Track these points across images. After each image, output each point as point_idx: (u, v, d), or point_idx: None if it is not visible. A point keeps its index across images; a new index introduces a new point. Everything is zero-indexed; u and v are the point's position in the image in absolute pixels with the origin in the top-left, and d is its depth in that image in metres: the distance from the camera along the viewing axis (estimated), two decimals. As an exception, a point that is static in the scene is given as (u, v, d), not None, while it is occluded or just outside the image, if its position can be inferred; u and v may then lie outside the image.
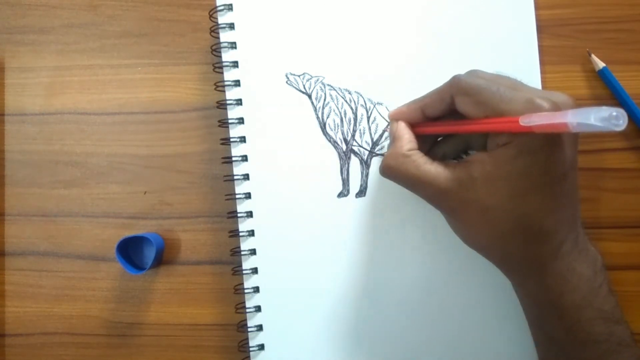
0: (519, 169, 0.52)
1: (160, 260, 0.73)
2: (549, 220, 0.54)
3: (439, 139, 0.65)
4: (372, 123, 0.69)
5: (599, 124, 0.41)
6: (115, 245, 0.70)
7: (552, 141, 0.51)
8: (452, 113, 0.58)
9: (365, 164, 0.69)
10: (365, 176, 0.69)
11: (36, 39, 0.76)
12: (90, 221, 0.74)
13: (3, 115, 0.75)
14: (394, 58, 0.69)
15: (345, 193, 0.69)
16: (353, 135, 0.69)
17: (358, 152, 0.69)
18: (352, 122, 0.69)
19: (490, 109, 0.52)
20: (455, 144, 0.64)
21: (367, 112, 0.69)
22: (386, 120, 0.69)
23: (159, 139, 0.74)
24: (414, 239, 0.69)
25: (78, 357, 0.74)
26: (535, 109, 0.49)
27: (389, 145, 0.64)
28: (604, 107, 0.41)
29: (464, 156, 0.63)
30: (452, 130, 0.60)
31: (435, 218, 0.67)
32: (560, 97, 0.51)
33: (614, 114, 0.41)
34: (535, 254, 0.55)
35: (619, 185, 0.70)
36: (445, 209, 0.59)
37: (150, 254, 0.73)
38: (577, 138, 0.55)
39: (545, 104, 0.49)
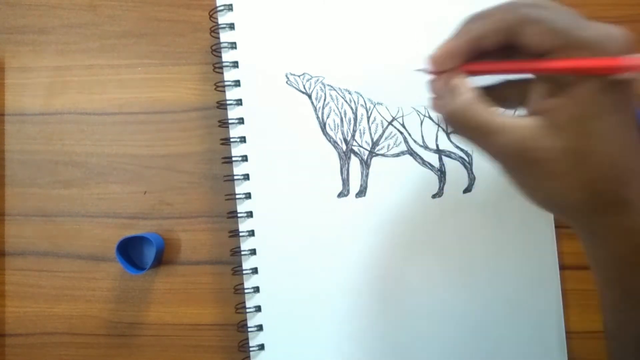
0: (608, 104, 0.47)
1: (160, 260, 0.73)
2: (637, 159, 0.50)
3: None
4: (372, 123, 0.69)
5: None
6: (115, 245, 0.69)
7: None
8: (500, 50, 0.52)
9: (365, 164, 0.69)
10: (365, 176, 0.69)
11: (36, 39, 0.76)
12: (90, 221, 0.74)
13: (3, 115, 0.75)
14: (394, 58, 0.69)
15: (345, 193, 0.69)
16: (353, 135, 0.69)
17: (358, 152, 0.69)
18: (352, 122, 0.69)
19: (571, 37, 0.47)
20: (513, 91, 0.56)
21: (367, 112, 0.69)
22: (386, 120, 0.69)
23: (159, 139, 0.74)
24: (414, 239, 0.69)
25: (78, 357, 0.74)
26: (612, 39, 0.46)
27: (446, 96, 0.53)
28: None
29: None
30: (534, 69, 0.51)
31: (435, 218, 0.68)
32: (616, 30, 0.48)
33: None
34: (628, 196, 0.50)
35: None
36: (522, 164, 0.51)
37: (150, 254, 0.73)
38: None
39: (619, 33, 0.46)
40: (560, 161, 0.49)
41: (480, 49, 0.52)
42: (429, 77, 0.55)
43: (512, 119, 0.50)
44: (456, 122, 0.52)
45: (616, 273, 0.55)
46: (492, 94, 0.55)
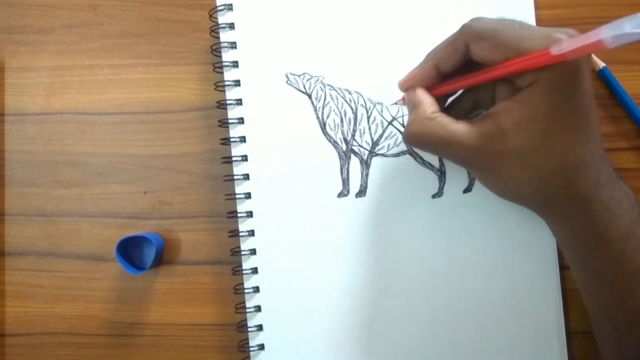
0: (549, 107, 0.51)
1: (160, 260, 0.73)
2: (585, 153, 0.53)
3: (451, 99, 0.64)
4: (372, 123, 0.69)
5: (636, 30, 0.41)
6: (115, 245, 0.69)
7: (575, 74, 0.51)
8: (465, 66, 0.57)
9: (365, 164, 0.69)
10: (365, 176, 0.69)
11: (36, 39, 0.76)
12: (90, 221, 0.74)
13: (3, 115, 0.75)
14: (394, 58, 0.69)
15: (345, 193, 0.69)
16: (353, 135, 0.69)
17: (358, 152, 0.69)
18: (352, 122, 0.69)
19: (511, 49, 0.52)
20: (470, 98, 0.63)
21: (367, 112, 0.69)
22: (386, 120, 0.69)
23: (159, 139, 0.74)
24: (414, 239, 0.69)
25: (78, 357, 0.74)
26: (554, 42, 0.48)
27: (410, 113, 0.61)
28: (638, 14, 0.42)
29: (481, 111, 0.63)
30: (477, 81, 0.56)
31: (435, 218, 0.68)
32: (569, 31, 0.51)
33: None
34: (578, 188, 0.54)
35: (619, 186, 0.70)
36: (480, 167, 0.58)
37: (150, 254, 0.73)
38: (590, 71, 0.54)
39: (563, 36, 0.49)
40: (509, 163, 0.55)
41: (445, 71, 0.59)
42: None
43: (466, 128, 0.55)
44: (416, 142, 0.59)
45: (578, 254, 0.60)
46: (462, 101, 0.63)
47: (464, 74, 0.58)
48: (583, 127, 0.53)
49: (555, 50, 0.48)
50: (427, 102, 0.59)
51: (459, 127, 0.56)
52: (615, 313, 0.58)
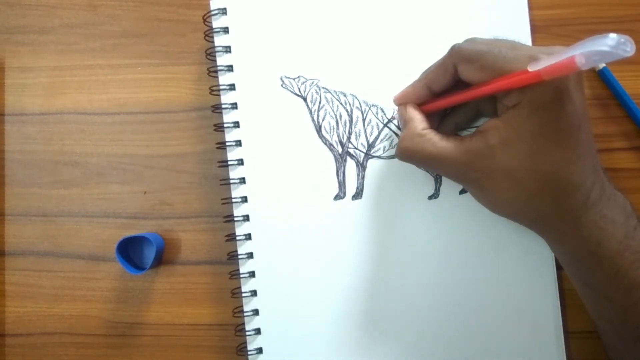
0: (534, 127, 0.52)
1: (160, 260, 0.73)
2: (573, 171, 0.53)
3: (447, 112, 0.66)
4: (367, 125, 0.69)
5: (607, 49, 0.41)
6: (115, 245, 0.70)
7: (561, 93, 0.51)
8: (455, 85, 0.59)
9: (361, 166, 0.68)
10: (361, 178, 0.68)
11: (36, 39, 0.76)
12: (90, 221, 0.74)
13: (3, 115, 0.76)
14: (389, 60, 0.69)
15: (342, 195, 0.68)
16: (349, 138, 0.69)
17: (354, 154, 0.68)
18: (348, 124, 0.69)
19: (495, 71, 0.52)
20: (465, 113, 0.65)
21: (363, 114, 0.69)
22: (381, 122, 0.69)
23: (159, 139, 0.74)
24: (410, 241, 0.69)
25: (78, 357, 0.74)
26: (532, 59, 0.49)
27: (401, 129, 0.65)
28: (610, 35, 0.41)
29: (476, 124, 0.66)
30: (462, 99, 0.58)
31: (432, 219, 0.68)
32: (561, 49, 0.50)
33: (622, 40, 0.41)
34: (567, 208, 0.54)
35: (619, 185, 0.68)
36: (469, 182, 0.59)
37: (150, 254, 0.73)
38: (583, 87, 0.54)
39: (545, 56, 0.49)
40: (496, 180, 0.55)
41: (436, 90, 0.61)
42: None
43: (455, 145, 0.57)
44: (407, 158, 0.62)
45: (574, 270, 0.60)
46: (456, 116, 0.66)
47: (454, 91, 0.59)
48: (572, 147, 0.53)
49: (531, 68, 0.48)
50: (417, 119, 0.61)
51: (448, 144, 0.57)
52: (620, 327, 0.59)
